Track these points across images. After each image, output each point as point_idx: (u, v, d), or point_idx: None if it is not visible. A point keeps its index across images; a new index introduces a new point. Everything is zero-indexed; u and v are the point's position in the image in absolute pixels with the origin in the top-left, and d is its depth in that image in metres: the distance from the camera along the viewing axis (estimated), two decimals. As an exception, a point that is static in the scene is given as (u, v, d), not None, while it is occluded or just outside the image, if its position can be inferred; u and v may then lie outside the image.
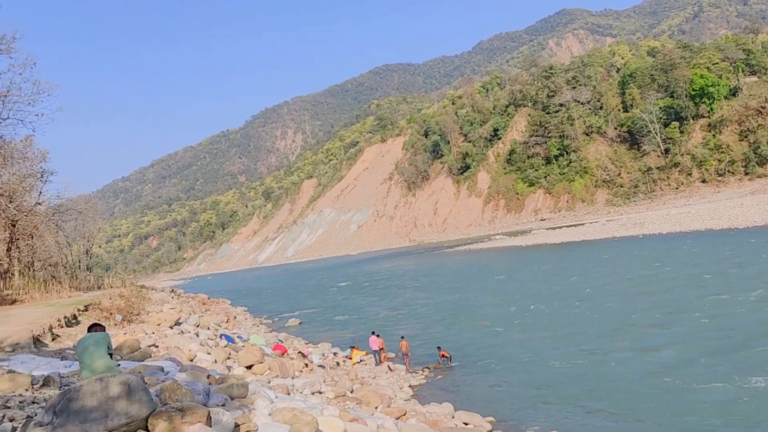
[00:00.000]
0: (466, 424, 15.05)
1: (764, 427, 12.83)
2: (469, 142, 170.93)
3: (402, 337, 24.97)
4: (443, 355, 22.89)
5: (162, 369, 11.53)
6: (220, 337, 24.16)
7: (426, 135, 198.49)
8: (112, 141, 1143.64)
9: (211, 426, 7.12)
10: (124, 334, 19.02)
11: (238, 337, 26.09)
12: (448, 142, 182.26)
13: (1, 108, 24.74)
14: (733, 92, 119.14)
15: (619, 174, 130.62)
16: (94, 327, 7.63)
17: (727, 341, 19.55)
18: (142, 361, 13.10)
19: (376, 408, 15.84)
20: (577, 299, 32.46)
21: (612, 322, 25.38)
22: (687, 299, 27.34)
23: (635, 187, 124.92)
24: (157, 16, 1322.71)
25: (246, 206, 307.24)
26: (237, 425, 8.17)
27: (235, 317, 40.84)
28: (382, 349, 24.89)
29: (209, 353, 18.02)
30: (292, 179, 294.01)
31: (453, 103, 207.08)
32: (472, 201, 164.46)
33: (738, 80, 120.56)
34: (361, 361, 25.18)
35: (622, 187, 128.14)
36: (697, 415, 14.03)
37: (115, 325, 21.11)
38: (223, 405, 9.19)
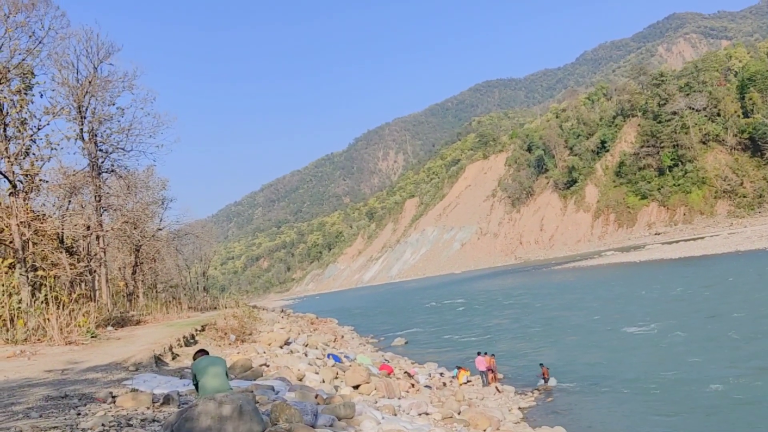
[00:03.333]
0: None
1: None
2: (575, 155, 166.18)
3: (485, 353, 25.04)
4: (544, 373, 22.25)
5: (272, 388, 11.81)
6: (328, 356, 24.51)
7: (529, 150, 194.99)
8: (226, 165, 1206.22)
9: (318, 447, 7.16)
10: (237, 353, 19.72)
11: (345, 356, 26.39)
12: (553, 156, 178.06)
13: (125, 141, 26.60)
14: None
15: (742, 183, 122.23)
16: (200, 353, 7.87)
17: None
18: (254, 380, 13.48)
19: (485, 430, 15.46)
20: (708, 316, 30.41)
21: (747, 342, 23.54)
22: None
23: (760, 197, 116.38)
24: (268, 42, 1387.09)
25: (351, 227, 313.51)
26: (344, 447, 8.19)
27: (342, 336, 41.43)
28: (490, 369, 24.36)
29: (317, 373, 18.31)
30: (395, 199, 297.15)
31: (557, 117, 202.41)
32: (580, 216, 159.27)
33: None
34: (468, 381, 24.75)
35: (745, 197, 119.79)
36: None
37: (229, 344, 21.95)
38: (331, 425, 9.25)
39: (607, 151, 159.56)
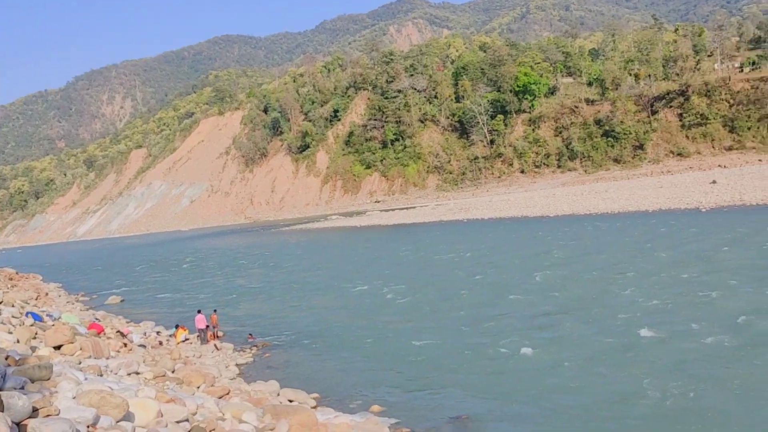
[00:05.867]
0: (291, 401, 15.12)
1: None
2: (310, 121, 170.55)
3: (215, 311, 25.46)
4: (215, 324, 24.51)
5: (-51, 351, 10.31)
6: (27, 315, 22.11)
7: (266, 111, 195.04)
8: None
9: (2, 411, 6.50)
10: None
11: (47, 315, 24.04)
12: (288, 120, 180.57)
13: None
14: (552, 91, 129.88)
15: (449, 161, 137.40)
16: None
17: (519, 313, 21.47)
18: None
19: (198, 388, 15.42)
20: (411, 279, 33.82)
21: (446, 300, 26.77)
22: (510, 279, 29.58)
23: (463, 174, 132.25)
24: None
25: (65, 174, 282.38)
26: (36, 409, 7.54)
27: (46, 294, 37.66)
28: (209, 327, 24.25)
29: (11, 332, 16.43)
30: (119, 148, 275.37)
31: (294, 81, 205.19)
32: (311, 180, 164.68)
33: (556, 80, 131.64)
34: (186, 340, 24.35)
35: (451, 173, 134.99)
36: (496, 376, 15.29)
37: None
38: (22, 388, 8.43)
39: (339, 120, 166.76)
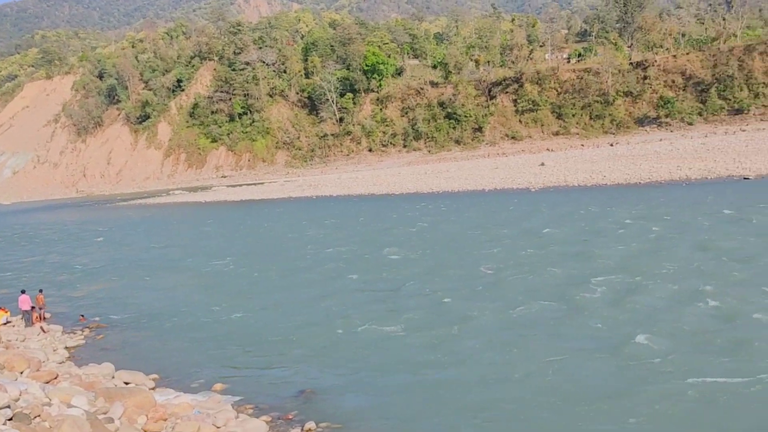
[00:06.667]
0: (127, 383, 14.54)
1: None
2: (150, 90, 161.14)
3: (40, 291, 23.44)
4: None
5: None
6: None
7: (101, 77, 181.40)
8: None
9: None
10: None
11: None
12: (126, 88, 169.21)
13: None
14: (399, 72, 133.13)
15: (299, 137, 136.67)
16: None
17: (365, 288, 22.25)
18: None
19: (21, 373, 14.34)
20: (258, 256, 33.44)
21: (292, 276, 26.80)
22: (356, 256, 30.22)
23: (312, 151, 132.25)
24: None
25: None
26: None
27: None
28: (34, 308, 22.47)
29: None
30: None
31: (133, 47, 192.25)
32: (151, 153, 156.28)
33: (403, 61, 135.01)
34: (8, 322, 22.42)
35: (300, 150, 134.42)
36: (340, 351, 15.76)
37: None
38: None
39: (183, 90, 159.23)
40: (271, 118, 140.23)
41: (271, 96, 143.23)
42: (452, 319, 17.89)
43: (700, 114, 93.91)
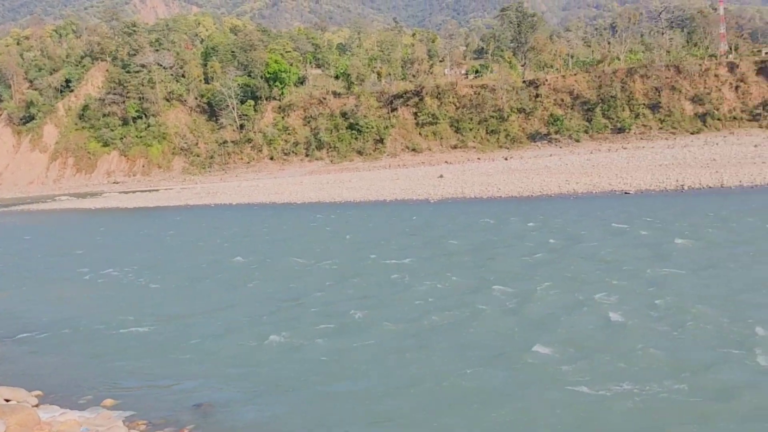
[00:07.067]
0: (8, 400, 13.63)
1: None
2: (36, 90, 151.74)
3: None
4: None
5: None
6: None
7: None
8: None
9: None
10: None
11: None
12: (10, 87, 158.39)
13: None
14: (301, 81, 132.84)
15: (197, 144, 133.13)
16: None
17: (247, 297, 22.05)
18: None
19: None
20: (153, 266, 32.20)
21: (191, 286, 25.99)
22: (257, 264, 29.75)
23: (211, 158, 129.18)
24: None
25: None
26: None
27: None
28: None
29: None
30: None
31: (18, 44, 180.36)
32: (36, 156, 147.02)
33: (306, 70, 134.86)
34: None
35: (198, 156, 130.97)
36: (240, 363, 15.51)
37: None
38: None
39: (72, 91, 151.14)
40: (168, 122, 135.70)
41: (168, 100, 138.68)
42: (355, 328, 18.03)
43: (586, 132, 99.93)
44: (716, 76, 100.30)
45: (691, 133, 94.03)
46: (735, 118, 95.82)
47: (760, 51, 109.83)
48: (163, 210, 70.11)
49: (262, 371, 15.33)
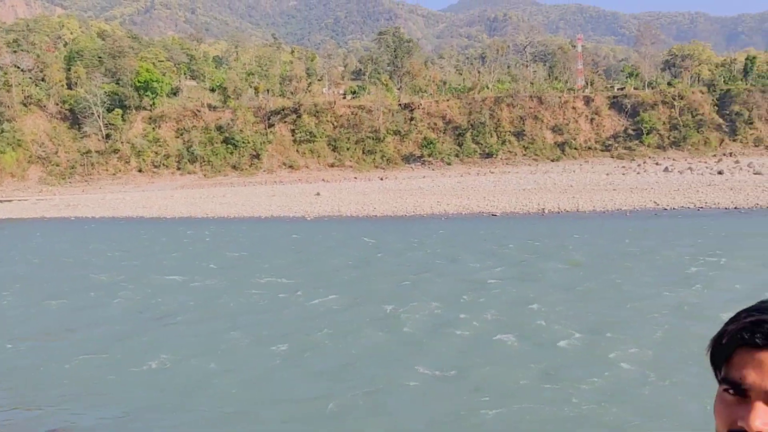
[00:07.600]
0: None
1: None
2: None
3: None
4: None
5: None
6: None
7: None
8: None
9: None
10: None
11: None
12: None
13: None
14: (175, 92, 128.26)
15: (57, 152, 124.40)
16: None
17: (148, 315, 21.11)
18: None
19: None
20: (5, 282, 29.70)
21: (42, 306, 24.19)
22: (120, 281, 28.26)
23: (72, 168, 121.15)
24: None
25: None
26: None
27: None
28: None
29: None
30: None
31: None
32: None
33: (180, 81, 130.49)
34: None
35: (58, 166, 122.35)
36: (101, 385, 14.75)
37: None
38: None
39: None
40: (24, 129, 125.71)
41: (25, 105, 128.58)
42: (225, 349, 17.66)
43: (457, 155, 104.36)
44: (574, 108, 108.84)
45: (552, 161, 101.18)
46: (590, 147, 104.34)
47: (612, 87, 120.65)
48: (15, 222, 64.90)
49: (123, 395, 14.61)
